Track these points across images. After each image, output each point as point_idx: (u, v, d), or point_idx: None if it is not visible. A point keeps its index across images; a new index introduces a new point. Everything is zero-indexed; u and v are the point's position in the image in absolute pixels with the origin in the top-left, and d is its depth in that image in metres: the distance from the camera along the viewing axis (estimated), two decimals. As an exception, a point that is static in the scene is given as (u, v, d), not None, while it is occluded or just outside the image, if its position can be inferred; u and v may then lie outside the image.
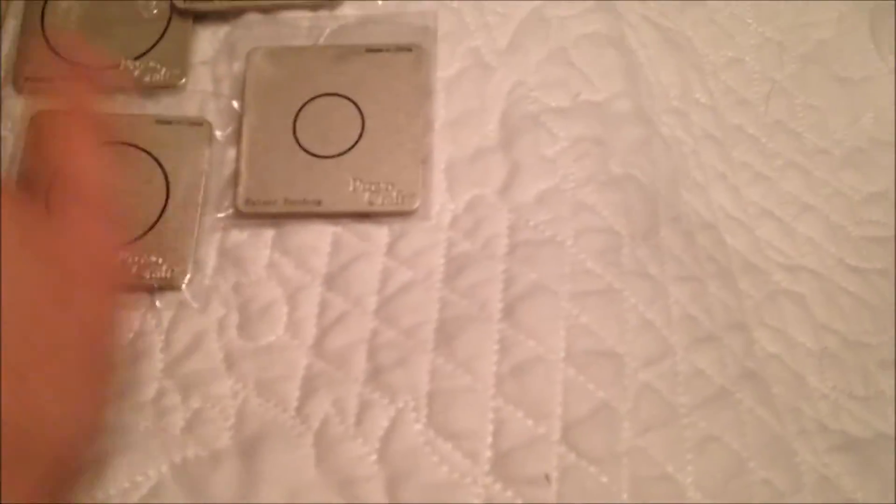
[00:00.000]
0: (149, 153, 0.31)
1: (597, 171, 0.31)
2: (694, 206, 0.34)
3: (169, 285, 0.30)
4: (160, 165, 0.31)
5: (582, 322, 0.28)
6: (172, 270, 0.30)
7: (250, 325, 0.30)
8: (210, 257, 0.31)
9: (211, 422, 0.28)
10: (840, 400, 0.30)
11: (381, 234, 0.31)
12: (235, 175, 0.31)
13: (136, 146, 0.31)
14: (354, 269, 0.30)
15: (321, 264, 0.30)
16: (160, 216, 0.30)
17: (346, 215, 0.31)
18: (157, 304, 0.30)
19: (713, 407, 0.28)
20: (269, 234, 0.31)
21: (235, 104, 0.32)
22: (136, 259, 0.30)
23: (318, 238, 0.31)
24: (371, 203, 0.30)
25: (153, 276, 0.30)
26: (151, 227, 0.30)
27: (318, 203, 0.30)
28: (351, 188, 0.30)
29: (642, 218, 0.31)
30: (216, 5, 0.34)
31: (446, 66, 0.33)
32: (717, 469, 0.26)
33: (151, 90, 0.33)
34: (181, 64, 0.33)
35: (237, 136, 0.32)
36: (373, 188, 0.30)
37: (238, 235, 0.31)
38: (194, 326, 0.30)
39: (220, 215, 0.31)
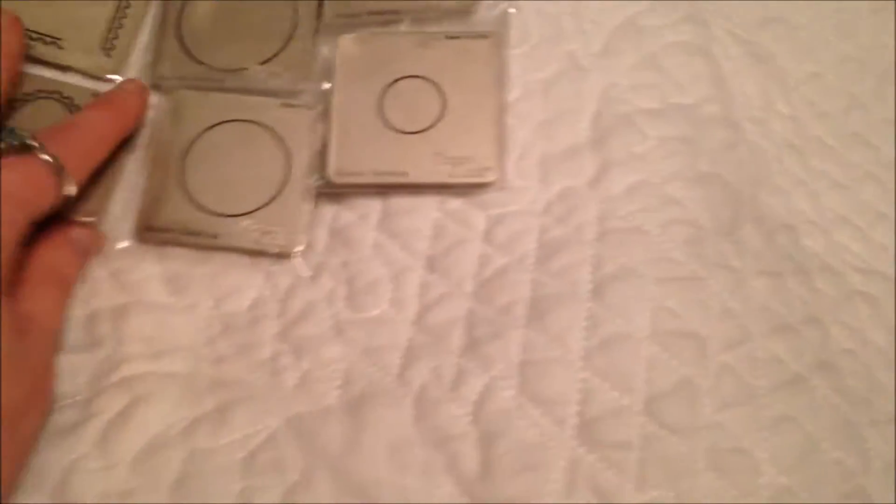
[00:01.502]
0: (273, 131, 0.34)
1: (684, 168, 0.34)
2: (775, 209, 0.35)
3: (285, 254, 0.33)
4: (283, 142, 0.34)
5: (667, 305, 0.30)
6: (288, 240, 0.33)
7: (357, 299, 0.32)
8: (321, 236, 0.33)
9: (321, 381, 0.31)
10: (910, 397, 0.32)
11: (478, 220, 0.33)
12: (325, 149, 0.34)
13: (263, 125, 0.34)
14: (454, 253, 0.33)
15: (423, 247, 0.33)
16: (281, 189, 0.33)
17: (429, 186, 0.33)
18: (273, 270, 0.33)
19: (789, 390, 0.29)
20: (374, 216, 0.33)
21: (326, 85, 0.35)
22: (258, 227, 0.33)
23: (421, 223, 0.33)
24: (451, 175, 0.33)
25: (272, 243, 0.33)
26: (272, 199, 0.33)
27: (405, 174, 0.33)
28: (433, 161, 0.33)
29: (726, 214, 0.33)
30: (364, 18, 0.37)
31: (543, 68, 0.36)
32: (791, 447, 0.28)
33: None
34: (305, 68, 0.36)
35: (326, 115, 0.34)
36: (453, 162, 0.33)
37: (347, 216, 0.34)
38: (306, 296, 0.32)
39: (313, 183, 0.34)
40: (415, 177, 0.33)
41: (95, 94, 0.36)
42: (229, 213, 0.33)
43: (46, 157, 0.30)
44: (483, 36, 0.36)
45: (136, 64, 0.37)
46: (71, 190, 0.31)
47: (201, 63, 0.36)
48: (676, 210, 0.33)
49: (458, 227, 0.33)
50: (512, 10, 0.37)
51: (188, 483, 0.29)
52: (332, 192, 0.34)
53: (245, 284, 0.33)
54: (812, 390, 0.30)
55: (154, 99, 0.36)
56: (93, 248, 0.33)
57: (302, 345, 0.32)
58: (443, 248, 0.33)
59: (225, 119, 0.35)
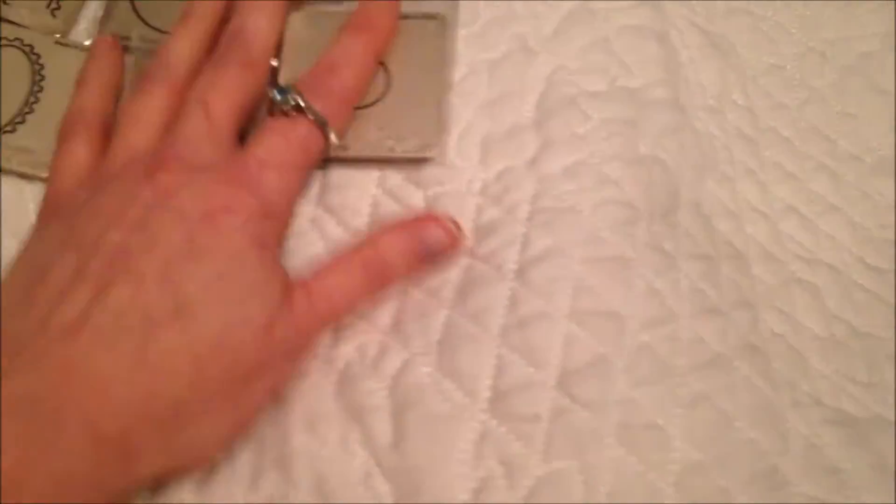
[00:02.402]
0: None
1: (624, 150, 0.33)
2: (718, 196, 0.35)
3: None
4: None
5: (589, 284, 0.30)
6: None
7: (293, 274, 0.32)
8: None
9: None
10: (841, 382, 0.31)
11: (416, 199, 0.33)
12: None
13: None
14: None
15: (361, 224, 0.33)
16: None
17: (370, 160, 0.33)
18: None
19: (709, 370, 0.29)
20: (313, 191, 0.34)
21: (274, 62, 0.35)
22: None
23: (359, 199, 0.33)
24: (392, 150, 0.33)
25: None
26: None
27: (346, 149, 0.33)
28: (375, 137, 0.33)
29: (663, 198, 0.33)
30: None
31: (491, 49, 0.36)
32: (705, 424, 0.28)
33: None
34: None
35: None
36: (395, 137, 0.33)
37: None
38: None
39: None
40: (355, 150, 0.33)
41: (59, 43, 0.36)
42: None
43: (312, 115, 0.31)
44: (432, 17, 0.36)
45: (85, 24, 0.38)
46: (335, 140, 0.32)
47: (151, 26, 0.37)
48: (612, 191, 0.32)
49: (395, 204, 0.33)
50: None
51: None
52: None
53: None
54: (733, 371, 0.29)
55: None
56: (437, 254, 0.32)
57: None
58: (378, 225, 0.33)
59: None
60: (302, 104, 0.31)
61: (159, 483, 0.28)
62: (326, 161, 0.34)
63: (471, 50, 0.36)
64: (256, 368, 0.27)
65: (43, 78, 0.35)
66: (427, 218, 0.31)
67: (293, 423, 0.29)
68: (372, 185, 0.34)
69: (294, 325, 0.28)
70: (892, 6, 0.43)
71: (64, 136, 0.33)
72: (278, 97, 0.31)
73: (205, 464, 0.28)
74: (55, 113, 0.34)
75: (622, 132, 0.34)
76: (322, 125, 0.31)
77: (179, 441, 0.26)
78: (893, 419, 0.30)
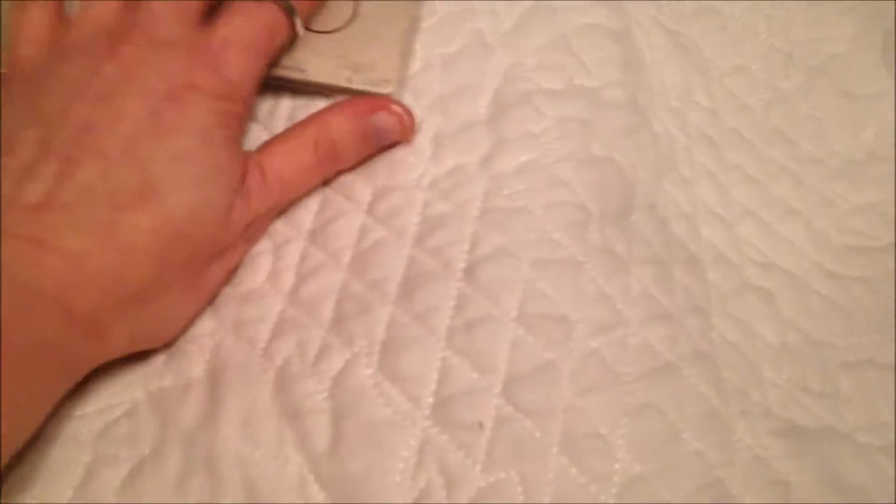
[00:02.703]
0: None
1: (577, 150, 0.32)
2: (674, 198, 0.34)
3: None
4: None
5: (538, 287, 0.29)
6: None
7: (235, 273, 0.31)
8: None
9: (188, 355, 0.30)
10: (793, 392, 0.31)
11: (364, 193, 0.32)
12: None
13: None
14: (336, 224, 0.32)
15: (308, 220, 0.32)
16: None
17: (325, 87, 0.33)
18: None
19: (656, 378, 0.28)
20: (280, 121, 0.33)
21: None
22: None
23: (307, 197, 0.32)
24: (349, 80, 0.33)
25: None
26: None
27: (303, 71, 0.32)
28: (334, 64, 0.33)
29: (616, 199, 0.32)
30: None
31: (448, 44, 0.35)
32: (650, 435, 0.27)
33: None
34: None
35: None
36: (354, 67, 0.33)
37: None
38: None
39: None
40: (314, 75, 0.33)
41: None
42: None
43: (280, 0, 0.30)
44: None
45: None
46: (301, 30, 0.32)
47: None
48: (564, 192, 0.31)
49: (343, 199, 0.32)
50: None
51: (34, 453, 0.28)
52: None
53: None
54: (681, 380, 0.29)
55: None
56: (386, 134, 0.32)
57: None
58: (326, 220, 0.32)
59: None
60: None
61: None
62: (282, 82, 0.33)
63: (427, 44, 0.35)
64: (217, 249, 0.28)
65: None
66: (378, 103, 0.32)
67: (225, 422, 0.28)
68: (321, 186, 0.33)
69: (250, 204, 0.29)
70: (862, 7, 0.43)
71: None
72: None
73: (167, 340, 0.29)
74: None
75: (577, 132, 0.33)
76: (289, 11, 0.31)
77: (144, 318, 0.27)
78: (845, 430, 0.30)
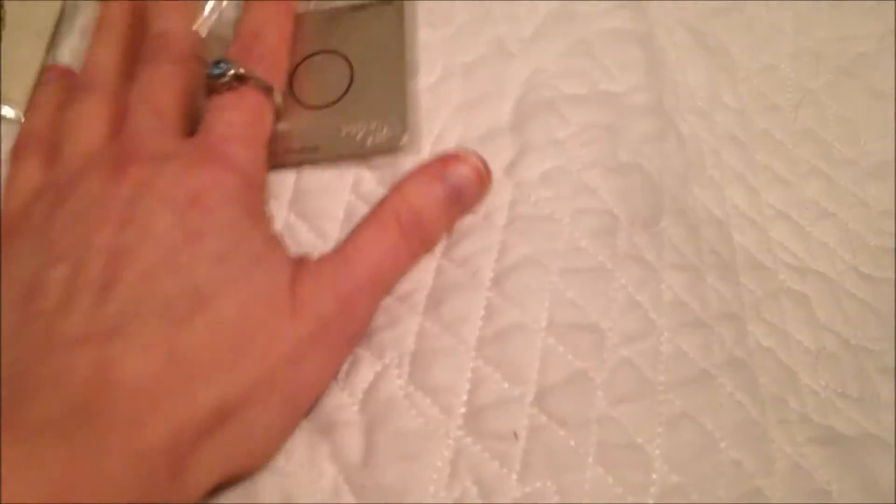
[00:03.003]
0: None
1: (604, 157, 0.32)
2: (704, 202, 0.34)
3: None
4: None
5: (568, 296, 0.29)
6: None
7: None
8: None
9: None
10: (831, 398, 0.30)
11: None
12: None
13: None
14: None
15: (334, 230, 0.32)
16: None
17: (342, 157, 0.32)
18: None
19: (691, 387, 0.28)
20: (286, 196, 0.32)
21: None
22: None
23: (333, 205, 0.32)
24: (363, 145, 0.32)
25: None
26: None
27: (317, 150, 0.32)
28: (344, 133, 0.32)
29: (644, 206, 0.32)
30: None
31: (467, 52, 0.35)
32: (687, 445, 0.27)
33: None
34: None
35: None
36: (363, 130, 0.32)
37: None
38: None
39: None
40: (328, 151, 0.32)
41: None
42: None
43: (255, 81, 0.30)
44: (387, 2, 0.35)
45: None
46: (279, 101, 0.31)
47: None
48: (591, 199, 0.31)
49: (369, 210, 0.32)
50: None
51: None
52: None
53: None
54: (717, 388, 0.28)
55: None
56: (469, 194, 0.31)
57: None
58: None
59: None
60: (243, 72, 0.30)
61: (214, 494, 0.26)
62: (300, 165, 0.33)
63: (446, 53, 0.35)
64: (295, 346, 0.26)
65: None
66: (449, 157, 0.31)
67: None
68: (346, 191, 0.32)
69: (333, 294, 0.27)
70: (890, 6, 0.42)
71: (17, 156, 0.32)
72: (218, 70, 0.30)
73: (265, 462, 0.27)
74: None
75: (602, 138, 0.33)
76: (267, 90, 0.31)
77: (230, 442, 0.24)
78: (886, 437, 0.29)
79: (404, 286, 0.30)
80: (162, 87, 0.31)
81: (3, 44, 0.36)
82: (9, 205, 0.30)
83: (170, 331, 0.24)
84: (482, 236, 0.30)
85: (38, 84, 0.35)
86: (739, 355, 0.29)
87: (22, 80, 0.35)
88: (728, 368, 0.29)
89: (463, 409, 0.27)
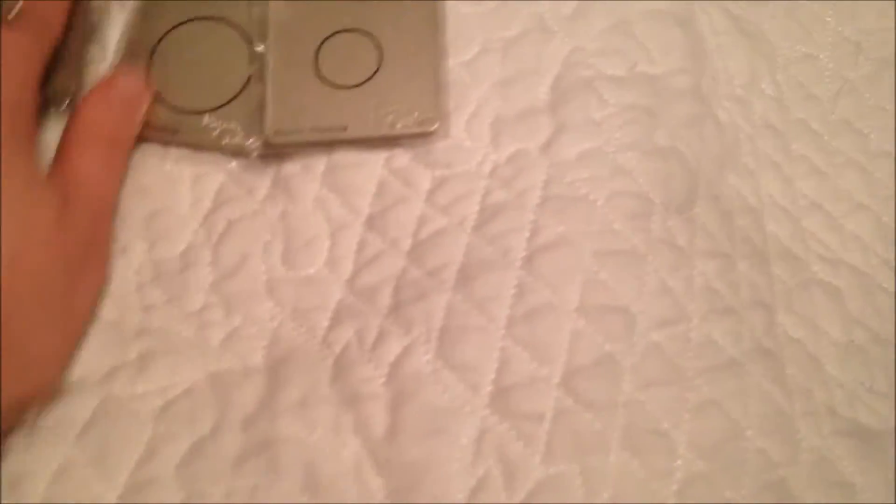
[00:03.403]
0: (241, 28, 0.35)
1: (641, 139, 0.32)
2: (739, 190, 0.34)
3: (241, 150, 0.32)
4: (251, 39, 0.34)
5: (600, 278, 0.29)
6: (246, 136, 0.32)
7: (293, 255, 0.31)
8: (263, 183, 0.32)
9: (247, 339, 0.30)
10: (858, 391, 0.30)
11: (423, 180, 0.32)
12: (261, 111, 0.33)
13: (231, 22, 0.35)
14: (395, 211, 0.32)
15: (365, 205, 0.32)
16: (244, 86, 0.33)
17: (370, 140, 0.32)
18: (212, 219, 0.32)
19: (720, 374, 0.28)
20: (319, 168, 0.32)
21: (259, 48, 0.34)
22: (218, 123, 0.33)
23: (365, 179, 0.32)
24: (392, 126, 0.32)
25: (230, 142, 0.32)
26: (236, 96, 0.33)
27: (344, 129, 0.32)
28: (373, 115, 0.32)
29: (679, 190, 0.31)
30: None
31: (507, 27, 0.34)
32: (713, 432, 0.27)
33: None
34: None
35: (261, 76, 0.33)
36: (393, 113, 0.32)
37: (291, 167, 0.33)
38: (241, 247, 0.31)
39: (250, 146, 0.33)
40: (354, 131, 0.32)
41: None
42: (193, 109, 0.33)
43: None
44: None
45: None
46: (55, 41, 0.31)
47: None
48: (626, 181, 0.31)
49: (402, 185, 0.32)
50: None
51: (95, 428, 0.28)
52: (271, 153, 0.33)
53: (177, 229, 0.32)
54: (745, 376, 0.28)
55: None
56: (142, 100, 0.32)
57: (232, 300, 0.31)
58: (384, 206, 0.32)
59: (193, 17, 0.34)
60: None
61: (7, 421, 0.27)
62: (326, 145, 0.33)
63: (485, 28, 0.34)
64: (64, 272, 0.27)
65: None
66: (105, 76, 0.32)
67: (284, 407, 0.28)
68: (378, 166, 0.32)
69: (84, 217, 0.28)
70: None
71: None
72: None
73: (49, 385, 0.28)
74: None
75: (640, 120, 0.33)
76: (40, 22, 0.30)
77: (14, 367, 0.26)
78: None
79: (434, 261, 0.30)
80: None
81: None
82: None
83: None
84: (515, 215, 0.30)
85: None
86: (768, 345, 0.29)
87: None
88: (756, 357, 0.29)
89: (490, 388, 0.27)
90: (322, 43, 0.34)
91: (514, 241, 0.30)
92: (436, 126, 0.32)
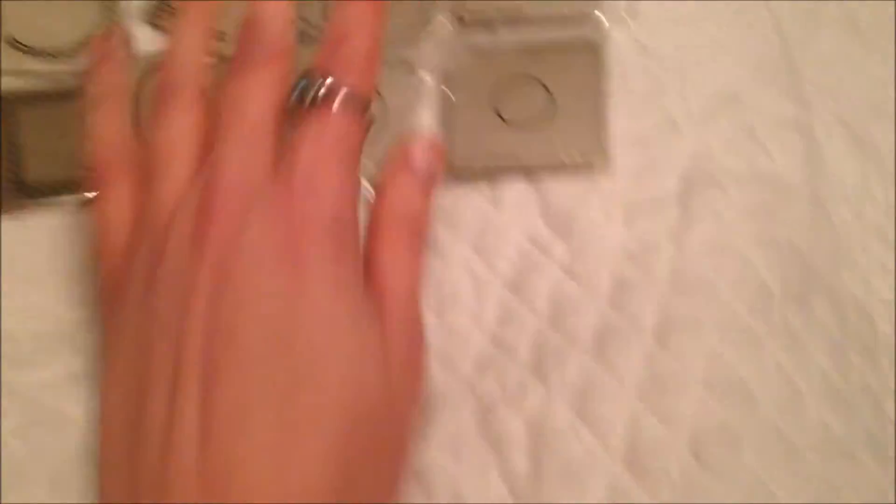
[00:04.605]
0: None
1: (761, 233, 0.35)
2: (851, 287, 0.36)
3: None
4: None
5: (722, 356, 0.32)
6: None
7: (441, 305, 0.35)
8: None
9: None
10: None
11: (559, 250, 0.36)
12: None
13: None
14: (533, 277, 0.35)
15: (507, 269, 0.36)
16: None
17: (539, 168, 0.37)
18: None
19: (833, 458, 0.31)
20: (470, 233, 0.36)
21: (445, 88, 0.38)
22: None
23: (507, 246, 0.36)
24: (560, 161, 0.36)
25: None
26: None
27: (517, 159, 0.37)
28: (545, 149, 0.37)
29: (797, 283, 0.35)
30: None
31: (639, 119, 0.38)
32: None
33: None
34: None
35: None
36: (563, 150, 0.36)
37: (441, 233, 0.36)
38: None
39: None
40: (526, 160, 0.36)
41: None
42: None
43: (348, 99, 0.27)
44: (588, 46, 0.39)
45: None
46: (373, 118, 0.29)
47: None
48: (747, 271, 0.34)
49: (539, 253, 0.36)
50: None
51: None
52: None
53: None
54: (858, 464, 0.31)
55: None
56: (440, 171, 0.31)
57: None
58: (522, 269, 0.35)
59: None
60: (331, 83, 0.27)
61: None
62: (503, 171, 0.37)
63: (619, 116, 0.38)
64: (390, 399, 0.27)
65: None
66: (402, 151, 0.31)
67: (434, 439, 0.32)
68: (521, 238, 0.36)
69: (403, 333, 0.28)
70: None
71: (101, 177, 0.30)
72: (303, 88, 0.28)
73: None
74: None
75: (761, 216, 0.36)
76: (359, 105, 0.28)
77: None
78: None
79: (571, 324, 0.34)
80: (254, 97, 0.28)
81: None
82: (105, 241, 0.30)
83: (279, 419, 0.24)
84: (643, 290, 0.34)
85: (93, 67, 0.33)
86: (875, 431, 0.32)
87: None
88: (866, 440, 0.31)
89: (622, 446, 0.30)
90: (500, 88, 0.38)
91: (644, 314, 0.33)
92: (598, 161, 0.36)
